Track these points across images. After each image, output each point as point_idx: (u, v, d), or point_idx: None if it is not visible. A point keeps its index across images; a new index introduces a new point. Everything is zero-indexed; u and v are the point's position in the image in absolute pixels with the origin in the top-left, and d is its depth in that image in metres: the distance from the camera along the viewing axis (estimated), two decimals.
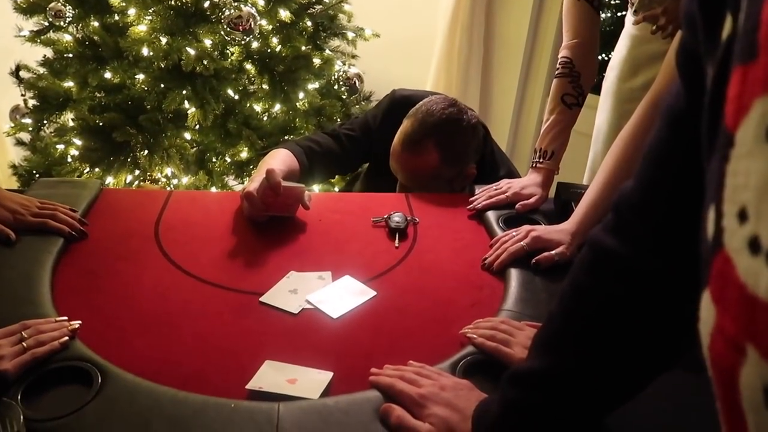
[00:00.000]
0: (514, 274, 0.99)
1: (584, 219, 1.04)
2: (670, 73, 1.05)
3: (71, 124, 1.92)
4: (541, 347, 0.59)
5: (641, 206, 0.50)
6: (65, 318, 0.81)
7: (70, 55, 1.85)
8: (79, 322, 0.80)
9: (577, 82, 1.26)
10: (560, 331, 0.56)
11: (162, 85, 1.76)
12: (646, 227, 0.50)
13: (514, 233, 1.06)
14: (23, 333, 0.75)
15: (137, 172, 1.86)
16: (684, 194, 0.48)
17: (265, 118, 1.93)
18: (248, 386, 0.74)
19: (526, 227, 1.06)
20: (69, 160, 1.89)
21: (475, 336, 0.82)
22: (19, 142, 2.05)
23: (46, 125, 1.94)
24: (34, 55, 1.93)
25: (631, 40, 1.45)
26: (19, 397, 0.68)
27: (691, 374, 0.58)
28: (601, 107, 1.58)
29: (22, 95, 2.00)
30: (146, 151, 1.75)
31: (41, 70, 1.91)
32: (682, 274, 0.49)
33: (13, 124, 2.02)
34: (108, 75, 1.79)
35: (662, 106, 0.49)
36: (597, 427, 0.61)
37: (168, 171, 1.82)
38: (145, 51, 1.73)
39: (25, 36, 1.88)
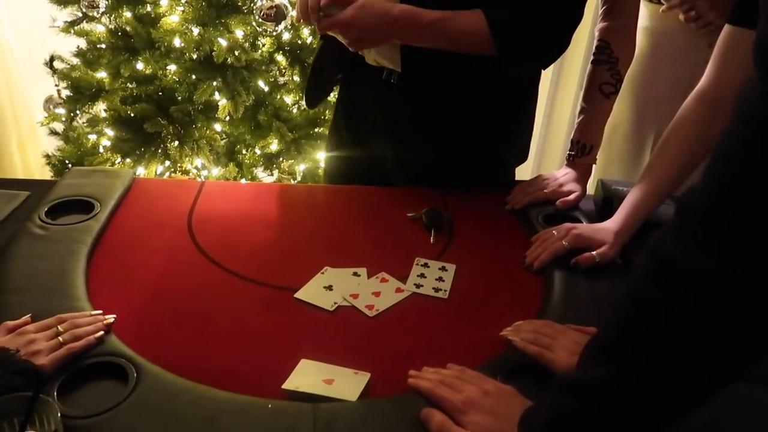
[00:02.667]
0: (555, 274, 0.96)
1: (628, 219, 1.00)
2: (721, 67, 1.00)
3: (103, 114, 1.92)
4: (595, 357, 0.56)
5: (710, 210, 0.47)
6: (100, 312, 0.80)
7: (103, 46, 1.85)
8: (114, 316, 0.80)
9: (615, 68, 1.19)
10: (616, 340, 0.53)
11: (193, 77, 1.76)
12: (716, 233, 0.46)
13: (554, 231, 1.02)
14: (59, 327, 0.74)
15: (167, 163, 1.86)
16: (759, 198, 0.45)
17: (295, 110, 1.92)
18: (284, 386, 0.73)
19: (567, 225, 1.03)
20: (101, 150, 1.90)
21: (516, 339, 0.80)
22: (53, 132, 2.07)
23: (79, 115, 1.95)
24: (68, 45, 1.94)
25: (650, 35, 1.36)
26: (55, 393, 0.67)
27: (756, 385, 0.55)
28: (617, 103, 1.47)
29: (56, 85, 2.02)
30: (177, 143, 1.75)
31: (74, 60, 1.92)
32: (755, 284, 0.46)
33: (47, 114, 2.04)
34: (140, 66, 1.79)
35: (738, 103, 0.46)
36: None
37: (198, 162, 1.82)
38: (176, 42, 1.73)
39: (59, 27, 1.89)
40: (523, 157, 1.32)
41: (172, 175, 1.80)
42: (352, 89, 1.27)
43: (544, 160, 2.46)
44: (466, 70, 1.09)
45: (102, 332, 0.76)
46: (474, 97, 1.14)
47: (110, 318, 0.79)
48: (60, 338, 0.73)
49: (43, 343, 0.72)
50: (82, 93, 1.89)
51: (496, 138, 1.22)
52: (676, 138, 1.01)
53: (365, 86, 1.21)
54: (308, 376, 0.75)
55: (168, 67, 1.77)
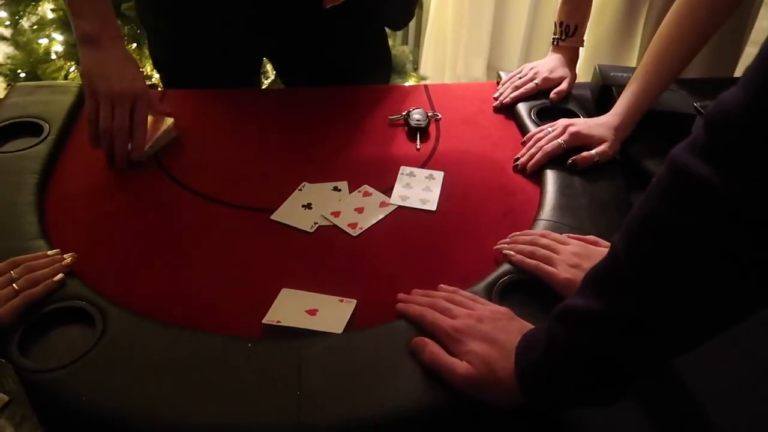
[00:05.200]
0: (550, 177, 0.89)
1: (630, 111, 0.92)
2: None
3: (50, 15, 1.75)
4: (601, 284, 0.50)
5: (749, 123, 0.39)
6: (57, 251, 0.73)
7: None
8: (74, 254, 0.73)
9: None
10: (627, 269, 0.47)
11: None
12: (754, 151, 0.39)
13: (549, 129, 0.94)
14: (12, 273, 0.68)
15: None
16: None
17: None
18: (265, 320, 0.68)
19: (563, 121, 0.94)
20: (54, 57, 1.74)
21: (512, 253, 0.74)
22: (1, 38, 1.89)
23: (24, 18, 1.77)
24: None
25: None
26: (15, 348, 0.62)
27: None
28: None
29: None
30: (134, 45, 1.59)
31: None
32: None
33: None
34: None
35: None
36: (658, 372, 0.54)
37: None
38: None
39: None
40: None
41: None
42: None
43: (533, 45, 2.30)
44: None
45: (62, 274, 0.70)
46: None
47: (69, 257, 0.72)
48: (15, 285, 0.66)
49: None
50: None
51: None
52: (685, 15, 0.90)
53: None
54: (290, 308, 0.70)
55: None
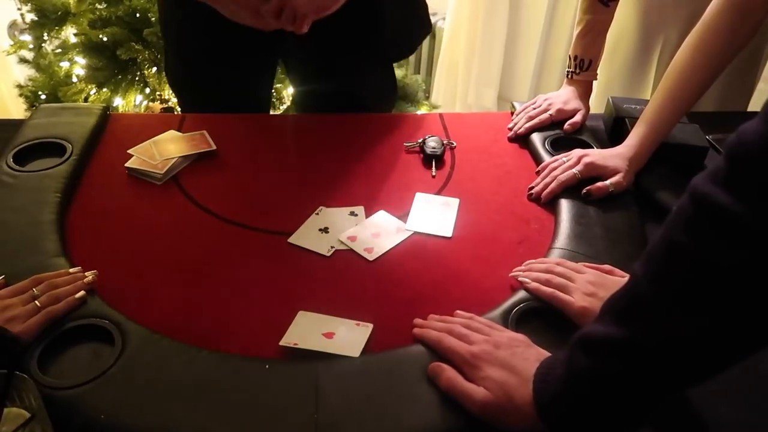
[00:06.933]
0: (564, 206, 0.90)
1: (643, 142, 0.93)
2: None
3: (73, 40, 1.79)
4: (622, 313, 0.51)
5: None
6: (79, 268, 0.74)
7: None
8: (95, 272, 0.74)
9: None
10: (649, 297, 0.48)
11: None
12: None
13: (564, 158, 0.95)
14: (35, 290, 0.69)
15: (147, 90, 1.74)
16: None
17: None
18: (282, 342, 0.68)
19: (577, 152, 0.96)
20: (74, 80, 1.77)
21: (528, 280, 0.75)
22: (23, 60, 1.94)
23: (47, 42, 1.82)
24: None
25: None
26: (35, 364, 0.62)
27: None
28: (619, 9, 1.31)
29: (18, 9, 1.87)
30: (154, 69, 1.63)
31: None
32: None
33: (12, 42, 1.90)
34: None
35: None
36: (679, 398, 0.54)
37: None
38: None
39: None
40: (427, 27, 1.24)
41: (151, 104, 1.70)
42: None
43: (543, 77, 2.33)
44: None
45: (83, 292, 0.70)
46: None
47: (90, 275, 0.73)
48: (37, 302, 0.67)
49: (18, 309, 0.66)
50: (47, 17, 1.74)
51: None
52: (698, 49, 0.91)
53: None
54: (307, 330, 0.70)
55: None
